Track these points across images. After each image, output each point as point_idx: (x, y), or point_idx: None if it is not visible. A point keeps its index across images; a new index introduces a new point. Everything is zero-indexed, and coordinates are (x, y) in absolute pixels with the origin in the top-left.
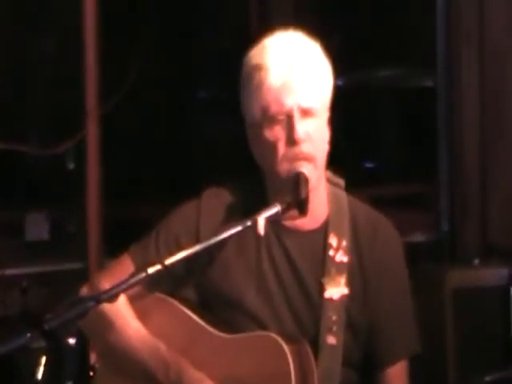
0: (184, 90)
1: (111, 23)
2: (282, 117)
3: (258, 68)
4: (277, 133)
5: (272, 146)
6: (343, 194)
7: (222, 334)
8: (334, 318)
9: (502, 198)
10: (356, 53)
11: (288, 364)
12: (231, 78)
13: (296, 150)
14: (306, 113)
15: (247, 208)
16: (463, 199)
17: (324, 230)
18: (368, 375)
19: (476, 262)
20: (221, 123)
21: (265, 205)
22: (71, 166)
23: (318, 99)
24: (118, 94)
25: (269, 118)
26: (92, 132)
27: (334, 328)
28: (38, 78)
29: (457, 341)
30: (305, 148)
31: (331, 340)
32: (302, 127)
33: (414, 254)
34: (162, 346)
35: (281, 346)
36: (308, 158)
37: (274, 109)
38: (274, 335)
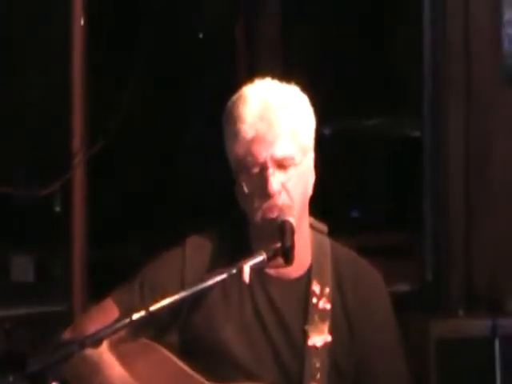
0: (171, 132)
1: (98, 64)
2: (256, 169)
3: (233, 118)
4: (252, 184)
5: (247, 197)
6: (326, 240)
7: (207, 383)
8: (317, 365)
9: (488, 250)
10: (343, 102)
11: None
12: (217, 120)
13: (270, 202)
14: (281, 163)
15: (231, 255)
16: (448, 249)
17: (307, 278)
18: None
19: (460, 312)
20: (208, 164)
21: (248, 251)
22: (57, 207)
23: (295, 147)
24: (104, 136)
25: (244, 170)
26: (78, 174)
27: (318, 375)
28: (24, 119)
29: None
30: (279, 200)
31: None
32: (276, 179)
33: (398, 304)
34: None
35: None
36: (283, 210)
37: (248, 161)
38: None
